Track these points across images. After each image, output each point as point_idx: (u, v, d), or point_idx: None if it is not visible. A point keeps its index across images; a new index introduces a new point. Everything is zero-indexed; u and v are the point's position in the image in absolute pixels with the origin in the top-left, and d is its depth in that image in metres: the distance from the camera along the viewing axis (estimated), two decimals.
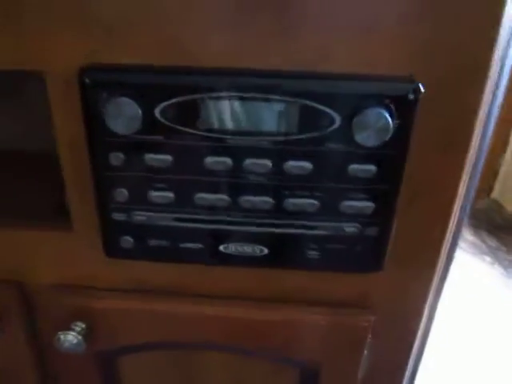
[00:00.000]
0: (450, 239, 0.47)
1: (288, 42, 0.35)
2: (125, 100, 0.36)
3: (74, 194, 0.44)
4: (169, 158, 0.39)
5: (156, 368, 0.57)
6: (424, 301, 0.49)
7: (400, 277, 0.47)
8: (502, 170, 2.48)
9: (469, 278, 1.90)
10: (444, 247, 0.46)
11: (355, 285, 0.47)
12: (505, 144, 2.43)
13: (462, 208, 0.46)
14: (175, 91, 0.36)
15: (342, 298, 0.49)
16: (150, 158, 0.39)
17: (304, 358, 0.51)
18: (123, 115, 0.36)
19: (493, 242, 2.15)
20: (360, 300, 0.49)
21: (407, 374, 0.58)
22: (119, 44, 0.36)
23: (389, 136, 0.36)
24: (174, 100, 0.36)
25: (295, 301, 0.48)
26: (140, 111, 0.36)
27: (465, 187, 0.44)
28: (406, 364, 0.54)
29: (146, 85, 0.37)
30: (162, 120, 0.37)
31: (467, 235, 2.16)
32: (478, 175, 0.47)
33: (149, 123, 0.37)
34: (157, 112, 0.37)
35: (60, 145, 0.41)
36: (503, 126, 2.32)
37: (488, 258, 2.04)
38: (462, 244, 2.07)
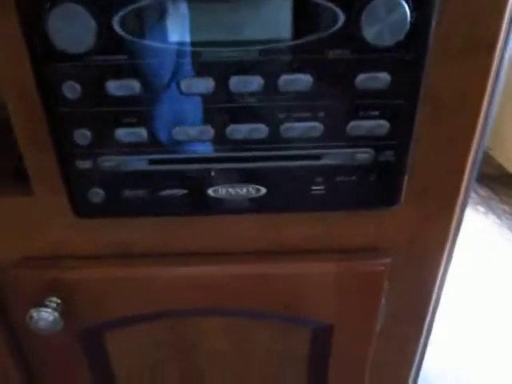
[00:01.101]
0: (471, 165, 0.41)
1: None
2: (73, 7, 0.28)
3: (29, 150, 0.37)
4: (135, 83, 0.31)
5: (149, 341, 0.50)
6: (445, 237, 0.44)
7: (419, 211, 0.41)
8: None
9: (464, 228, 1.87)
10: (466, 174, 0.40)
11: (368, 224, 0.41)
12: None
13: (484, 126, 0.40)
14: None
15: (354, 242, 0.43)
16: (113, 84, 0.31)
17: (315, 315, 0.45)
18: (72, 28, 0.28)
19: (485, 192, 2.13)
20: (374, 242, 0.43)
21: (427, 319, 0.52)
22: None
23: (405, 32, 0.29)
24: (135, 5, 0.29)
25: (300, 250, 0.42)
26: (94, 22, 0.28)
27: (488, 100, 0.38)
28: (427, 312, 0.49)
29: None
30: (123, 33, 0.30)
31: None
32: (501, 86, 0.40)
33: (106, 38, 0.29)
34: (115, 23, 0.29)
35: (3, 84, 0.33)
36: None
37: (481, 208, 2.02)
38: None
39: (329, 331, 0.46)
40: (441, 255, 0.46)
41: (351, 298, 0.43)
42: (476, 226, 1.92)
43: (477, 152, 0.41)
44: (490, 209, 2.03)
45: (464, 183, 0.42)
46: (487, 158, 2.42)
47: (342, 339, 0.47)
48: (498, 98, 0.41)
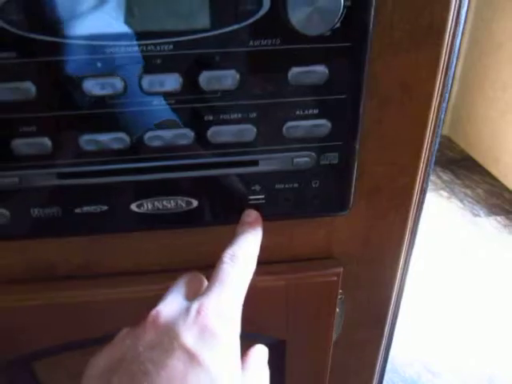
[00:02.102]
0: (426, 160, 0.38)
1: None
2: None
3: None
4: (30, 85, 0.26)
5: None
6: (401, 239, 0.41)
7: (371, 214, 0.38)
8: (450, 106, 2.47)
9: (427, 213, 1.89)
10: (421, 169, 0.37)
11: (318, 232, 0.38)
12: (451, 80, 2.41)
13: (437, 119, 0.37)
14: None
15: (304, 251, 0.39)
16: (3, 88, 0.26)
17: (265, 330, 0.42)
18: None
19: (447, 177, 2.15)
20: (326, 250, 0.39)
21: (388, 323, 0.50)
22: None
23: (338, 18, 0.26)
24: None
25: None
26: None
27: (440, 93, 0.35)
28: (387, 315, 0.46)
29: None
30: (7, 26, 0.25)
31: None
32: (451, 79, 0.37)
33: None
34: None
35: None
36: None
37: (445, 193, 2.04)
38: None
39: (282, 346, 0.42)
40: (398, 257, 0.43)
41: (303, 310, 0.40)
42: (439, 210, 1.94)
43: (430, 147, 0.38)
44: (453, 193, 2.06)
45: (418, 180, 0.38)
46: (449, 143, 2.46)
47: (296, 353, 0.43)
48: (450, 89, 0.37)
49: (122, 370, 0.24)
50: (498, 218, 1.89)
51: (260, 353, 0.31)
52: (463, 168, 2.22)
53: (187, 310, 0.26)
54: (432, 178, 2.14)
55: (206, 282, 0.31)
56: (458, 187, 2.09)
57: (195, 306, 0.26)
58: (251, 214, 0.32)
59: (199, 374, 0.23)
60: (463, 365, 1.33)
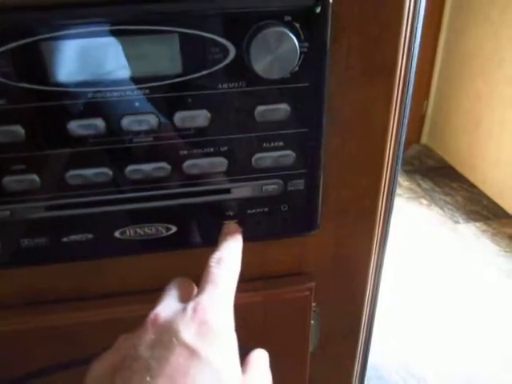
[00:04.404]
0: (388, 180, 0.41)
1: None
2: None
3: None
4: (19, 129, 0.29)
5: None
6: (369, 253, 0.44)
7: (338, 232, 0.41)
8: (428, 116, 2.54)
9: (408, 221, 1.94)
10: (382, 190, 0.41)
11: (288, 251, 0.41)
12: (427, 89, 2.48)
13: (396, 146, 0.40)
14: (5, 34, 0.26)
15: (277, 268, 0.42)
16: None
17: (244, 344, 0.44)
18: None
19: (427, 185, 2.21)
20: (298, 266, 0.42)
21: (362, 334, 0.53)
22: None
23: (297, 63, 0.29)
24: (6, 47, 0.27)
25: None
26: None
27: (396, 121, 0.38)
28: (360, 326, 0.49)
29: None
30: None
31: (402, 181, 2.20)
32: (408, 106, 0.41)
33: None
34: None
35: None
36: (424, 69, 2.35)
37: (425, 201, 2.10)
38: (398, 190, 2.10)
39: None
40: (367, 269, 0.46)
41: (278, 325, 0.43)
42: (420, 218, 1.99)
43: (391, 169, 0.41)
44: (433, 201, 2.11)
45: (381, 199, 0.42)
46: (428, 152, 2.52)
47: (274, 364, 0.46)
48: (406, 119, 0.41)
49: (124, 369, 0.24)
50: (477, 224, 1.95)
51: (261, 355, 0.32)
52: (442, 176, 2.28)
53: (184, 309, 0.27)
54: (412, 186, 2.20)
55: (195, 286, 0.33)
56: (437, 195, 2.14)
57: (191, 305, 0.27)
58: (230, 226, 0.34)
59: (201, 367, 0.24)
60: (447, 368, 1.36)
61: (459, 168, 2.33)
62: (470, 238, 1.87)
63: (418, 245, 1.83)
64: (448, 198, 2.12)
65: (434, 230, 1.93)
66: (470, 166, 2.25)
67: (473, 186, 2.20)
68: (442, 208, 2.06)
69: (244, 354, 0.44)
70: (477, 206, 2.07)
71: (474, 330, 1.47)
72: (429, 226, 1.95)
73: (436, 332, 1.47)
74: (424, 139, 2.60)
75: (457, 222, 1.97)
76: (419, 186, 2.20)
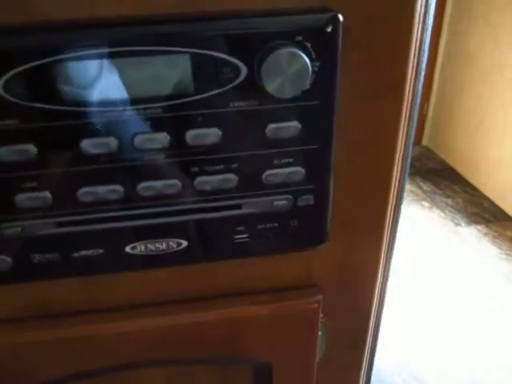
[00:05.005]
0: (396, 193, 0.42)
1: None
2: None
3: None
4: (32, 148, 0.29)
5: None
6: (376, 265, 0.44)
7: (346, 245, 0.41)
8: (429, 117, 2.54)
9: (410, 224, 1.94)
10: (390, 203, 0.41)
11: (296, 263, 0.41)
12: (429, 91, 2.49)
13: (404, 159, 0.40)
14: (20, 56, 0.27)
15: (285, 281, 0.42)
16: (6, 151, 0.29)
17: (253, 355, 0.44)
18: None
19: (428, 187, 2.21)
20: (305, 279, 0.42)
21: (368, 343, 0.53)
22: None
23: (308, 82, 0.29)
24: (19, 68, 0.27)
25: (230, 294, 0.41)
26: None
27: (404, 135, 0.38)
28: (367, 336, 0.49)
29: None
30: (9, 97, 0.27)
31: None
32: (415, 120, 0.41)
33: None
34: None
35: None
36: (425, 71, 2.36)
37: (426, 204, 2.10)
38: None
39: (268, 369, 0.45)
40: (374, 280, 0.46)
41: (286, 335, 0.43)
42: (421, 220, 2.00)
43: (399, 182, 0.42)
44: (434, 203, 2.11)
45: (389, 212, 0.42)
46: (429, 154, 2.52)
47: (282, 375, 0.46)
48: (413, 129, 0.41)
49: None
50: (479, 226, 1.95)
51: None
52: (443, 178, 2.29)
53: None
54: (413, 188, 2.20)
55: None
56: (438, 197, 2.15)
57: None
58: None
59: None
60: (448, 371, 1.37)
61: (460, 170, 2.33)
62: (472, 241, 1.87)
63: (420, 248, 1.83)
64: (449, 201, 2.13)
65: (435, 232, 1.93)
66: (472, 168, 2.25)
67: (474, 188, 2.20)
68: (443, 210, 2.06)
69: (251, 365, 0.44)
70: (478, 208, 2.08)
71: (476, 333, 1.47)
72: (430, 228, 1.95)
73: (437, 334, 1.47)
74: (425, 141, 2.60)
75: (458, 225, 1.97)
76: (420, 188, 2.20)
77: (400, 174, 0.40)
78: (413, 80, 0.36)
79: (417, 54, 0.35)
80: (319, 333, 0.45)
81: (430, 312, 1.55)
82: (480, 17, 2.12)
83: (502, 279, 1.67)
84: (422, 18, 0.34)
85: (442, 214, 2.05)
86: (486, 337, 1.46)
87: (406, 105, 0.36)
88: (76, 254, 0.34)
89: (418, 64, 0.36)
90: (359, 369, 0.52)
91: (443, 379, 1.35)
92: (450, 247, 1.85)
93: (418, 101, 0.39)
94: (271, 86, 0.28)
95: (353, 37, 0.31)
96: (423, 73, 0.39)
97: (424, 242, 1.86)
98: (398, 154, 0.38)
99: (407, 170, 0.43)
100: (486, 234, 1.90)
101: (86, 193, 0.31)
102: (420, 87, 0.39)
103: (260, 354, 0.44)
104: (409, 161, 0.43)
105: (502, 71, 1.99)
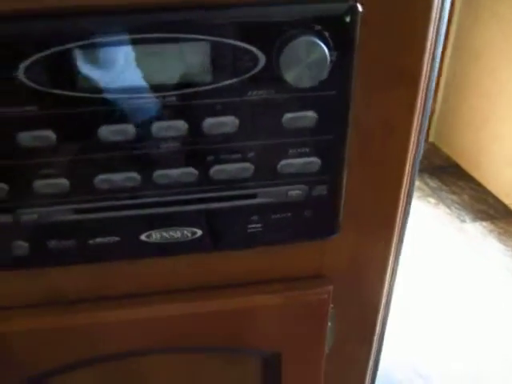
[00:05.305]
0: (407, 188, 0.42)
1: None
2: None
3: None
4: (50, 134, 0.29)
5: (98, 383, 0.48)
6: (386, 259, 0.44)
7: (357, 237, 0.41)
8: (436, 114, 2.53)
9: (416, 220, 1.93)
10: (402, 197, 0.41)
11: (307, 254, 0.41)
12: (436, 87, 2.47)
13: (416, 153, 0.40)
14: (41, 42, 0.27)
15: (296, 271, 0.42)
16: (26, 136, 0.29)
17: (262, 344, 0.45)
18: None
19: (435, 183, 2.20)
20: (316, 269, 0.43)
21: (376, 336, 0.53)
22: None
23: (326, 72, 0.29)
24: (41, 54, 0.27)
25: (242, 284, 0.41)
26: None
27: (418, 128, 0.38)
28: (375, 329, 0.50)
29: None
30: (30, 83, 0.28)
31: None
32: (428, 114, 0.41)
33: (12, 90, 0.27)
34: (20, 73, 0.27)
35: None
36: None
37: (432, 200, 2.09)
38: None
39: (277, 359, 0.45)
40: (383, 273, 0.47)
41: (297, 326, 0.43)
42: (427, 216, 1.99)
43: (411, 174, 0.42)
44: (441, 199, 2.11)
45: (401, 204, 0.42)
46: (435, 150, 2.51)
47: (291, 365, 0.46)
48: (425, 123, 0.41)
49: None
50: (484, 223, 1.94)
51: None
52: (449, 174, 2.28)
53: None
54: (419, 184, 2.19)
55: None
56: (445, 193, 2.14)
57: None
58: None
59: None
60: (453, 367, 1.37)
61: (466, 166, 2.32)
62: (477, 237, 1.87)
63: (425, 244, 1.83)
64: (455, 197, 2.12)
65: (441, 229, 1.92)
66: (477, 165, 2.24)
67: (480, 184, 2.19)
68: (449, 207, 2.06)
69: (261, 356, 0.44)
70: (483, 205, 2.07)
71: (481, 330, 1.47)
72: (436, 225, 1.95)
73: (442, 331, 1.48)
74: (431, 137, 2.59)
75: (463, 221, 1.97)
76: (427, 184, 2.19)
77: (411, 169, 0.40)
78: (428, 71, 0.36)
79: (433, 45, 0.35)
80: (329, 323, 0.45)
81: (435, 308, 1.55)
82: (487, 10, 2.11)
83: (507, 275, 1.67)
84: (439, 9, 0.34)
85: (447, 211, 2.04)
86: (491, 333, 1.46)
87: (421, 96, 0.36)
88: (91, 242, 0.34)
89: (433, 55, 0.36)
90: (366, 362, 0.52)
91: (448, 376, 1.35)
92: (455, 243, 1.84)
93: (432, 94, 0.39)
94: (289, 75, 0.28)
95: (370, 26, 0.31)
96: (437, 65, 0.39)
97: (429, 238, 1.86)
98: (411, 147, 0.38)
99: (418, 165, 0.43)
100: (491, 231, 1.89)
101: (102, 180, 0.31)
102: (434, 79, 0.39)
103: (270, 344, 0.44)
104: (420, 156, 0.43)
105: (510, 67, 1.98)
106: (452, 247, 1.83)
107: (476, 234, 1.89)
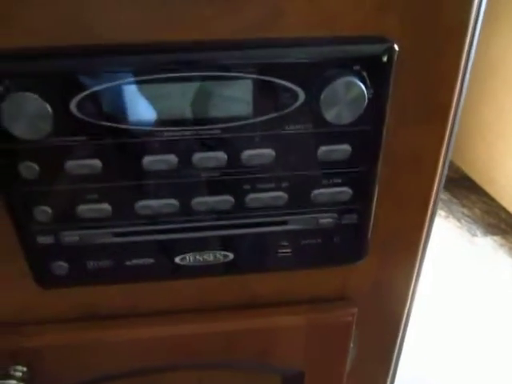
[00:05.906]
0: (431, 214, 0.43)
1: (227, 3, 0.28)
2: (27, 95, 0.27)
3: None
4: (97, 162, 0.31)
5: None
6: (409, 281, 0.45)
7: (382, 260, 0.42)
8: None
9: None
10: (427, 224, 0.42)
11: (334, 278, 0.42)
12: None
13: (441, 180, 0.41)
14: (93, 78, 0.28)
15: (321, 293, 0.43)
16: (73, 164, 0.31)
17: (287, 363, 0.46)
18: (27, 115, 0.28)
19: (445, 196, 2.20)
20: (341, 292, 0.44)
21: (394, 355, 0.54)
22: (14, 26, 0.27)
23: (363, 108, 0.30)
24: (92, 89, 0.28)
25: (268, 304, 0.42)
26: (49, 108, 0.28)
27: (444, 158, 0.39)
28: (394, 349, 0.50)
29: (54, 73, 0.28)
30: (81, 116, 0.29)
31: None
32: (453, 142, 0.42)
33: (64, 122, 0.29)
34: (73, 107, 0.29)
35: None
36: None
37: (443, 213, 2.09)
38: None
39: (300, 378, 0.46)
40: (406, 295, 0.47)
41: (320, 346, 0.44)
42: (437, 229, 1.99)
43: (435, 202, 0.43)
44: (451, 212, 2.11)
45: (425, 230, 0.43)
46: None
47: (314, 383, 0.47)
48: (450, 151, 0.42)
49: None
50: (495, 237, 1.94)
51: None
52: (461, 187, 2.28)
53: None
54: None
55: None
56: (455, 206, 2.14)
57: None
58: None
59: None
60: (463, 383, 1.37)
61: (478, 180, 2.32)
62: (488, 252, 1.86)
63: (435, 257, 1.82)
64: (466, 210, 2.12)
65: (451, 242, 1.92)
66: (489, 179, 2.24)
67: (491, 198, 2.19)
68: (459, 220, 2.06)
69: (283, 374, 0.45)
70: (495, 219, 2.07)
71: (492, 346, 1.47)
72: (446, 238, 1.95)
73: (452, 347, 1.47)
74: None
75: (474, 235, 1.96)
76: None
77: (436, 194, 0.41)
78: (455, 106, 0.37)
79: (461, 82, 0.36)
80: (351, 344, 0.46)
81: (445, 323, 1.55)
82: (503, 23, 2.11)
83: None
84: (468, 48, 0.35)
85: (458, 224, 2.04)
86: (502, 350, 1.45)
87: (450, 129, 0.37)
88: (128, 263, 0.36)
89: (460, 91, 0.37)
90: (385, 378, 0.53)
91: None
92: (465, 257, 1.84)
93: (458, 123, 0.40)
94: (329, 113, 0.29)
95: (405, 65, 0.32)
96: (464, 96, 0.40)
97: (440, 252, 1.86)
98: (437, 177, 0.39)
99: (441, 191, 0.44)
100: (502, 245, 1.89)
101: (143, 206, 0.33)
102: (460, 112, 0.40)
103: (294, 363, 0.45)
104: (443, 181, 0.44)
105: None
106: (462, 261, 1.82)
107: (487, 248, 1.89)
